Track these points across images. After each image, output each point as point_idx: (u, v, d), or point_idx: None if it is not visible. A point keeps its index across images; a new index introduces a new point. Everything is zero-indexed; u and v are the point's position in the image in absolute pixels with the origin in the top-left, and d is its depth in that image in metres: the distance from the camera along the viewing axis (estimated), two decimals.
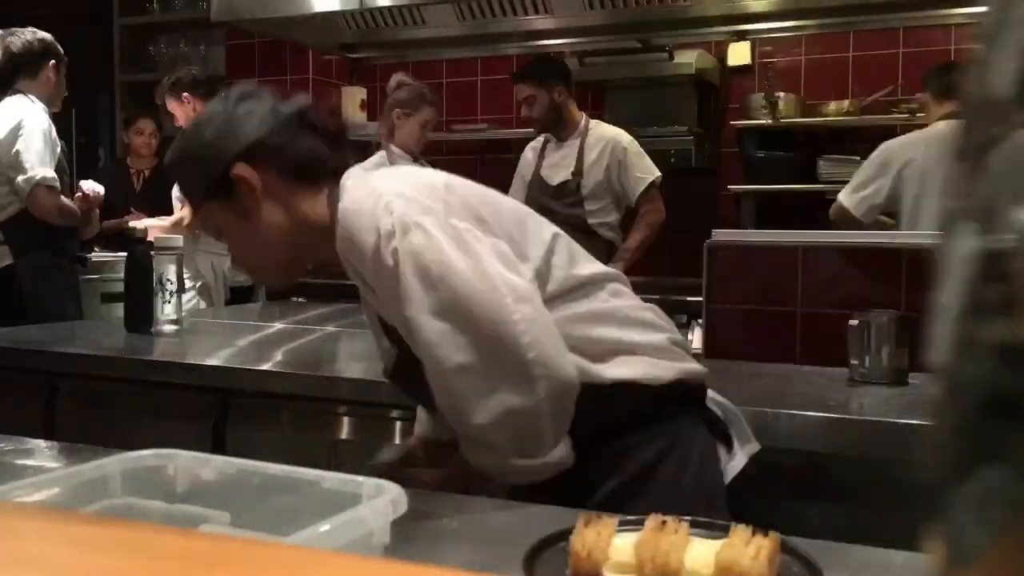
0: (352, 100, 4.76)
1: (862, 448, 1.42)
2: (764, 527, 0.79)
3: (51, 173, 3.17)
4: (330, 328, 2.67)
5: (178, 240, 2.39)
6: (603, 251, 3.31)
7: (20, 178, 3.12)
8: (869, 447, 1.42)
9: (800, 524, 0.94)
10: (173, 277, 2.27)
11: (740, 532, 0.78)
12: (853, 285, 1.91)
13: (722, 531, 0.81)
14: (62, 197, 3.22)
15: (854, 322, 1.71)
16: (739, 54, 4.03)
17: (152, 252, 2.27)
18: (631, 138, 3.49)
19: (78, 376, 2.02)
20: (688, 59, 3.85)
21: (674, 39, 3.77)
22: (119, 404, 1.97)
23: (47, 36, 3.38)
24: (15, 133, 3.17)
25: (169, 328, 2.26)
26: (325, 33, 3.75)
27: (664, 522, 0.79)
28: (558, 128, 3.49)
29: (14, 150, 3.15)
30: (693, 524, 0.81)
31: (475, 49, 4.16)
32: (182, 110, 3.78)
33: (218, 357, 2.09)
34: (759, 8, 3.27)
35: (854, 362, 1.72)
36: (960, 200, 0.26)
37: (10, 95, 3.29)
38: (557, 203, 3.44)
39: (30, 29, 3.37)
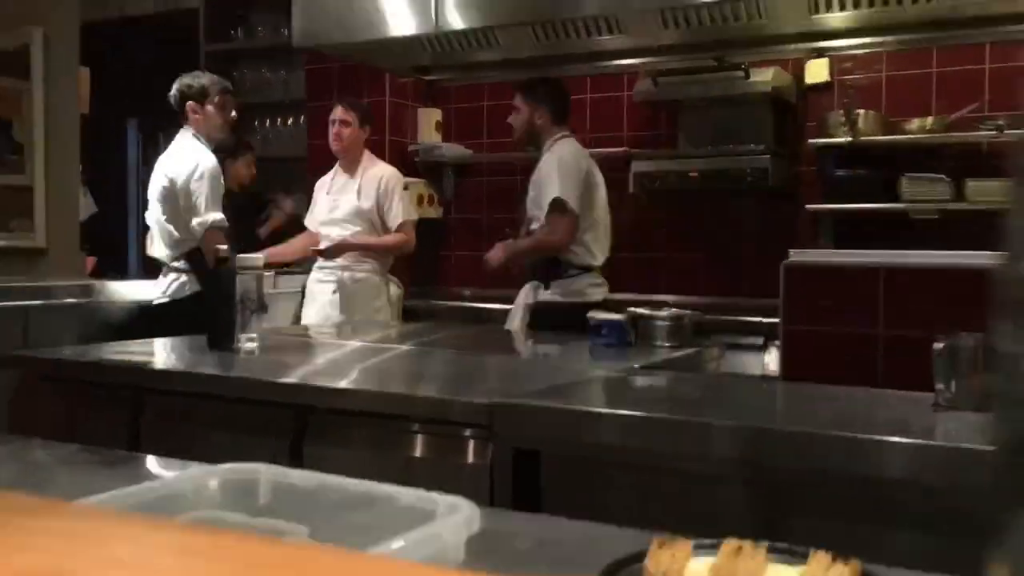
0: (428, 121, 4.83)
1: (947, 475, 1.38)
2: (844, 554, 0.77)
3: (220, 215, 3.62)
4: (406, 347, 2.70)
5: (258, 259, 2.44)
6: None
7: (195, 221, 3.58)
8: (954, 474, 1.37)
9: (881, 551, 0.91)
10: (254, 296, 2.33)
11: (819, 558, 0.76)
12: (937, 307, 1.85)
13: (801, 557, 0.79)
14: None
15: (939, 345, 1.66)
16: (817, 71, 3.96)
17: (235, 271, 2.33)
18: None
19: (163, 392, 2.08)
20: (764, 77, 3.80)
21: (750, 57, 3.73)
22: (201, 419, 2.03)
23: (215, 76, 3.90)
24: (190, 177, 3.61)
25: (250, 345, 2.32)
26: (401, 56, 3.82)
27: (741, 547, 0.78)
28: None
29: (191, 195, 3.60)
30: (771, 549, 0.80)
31: (548, 70, 4.18)
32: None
33: (296, 374, 2.13)
34: (837, 24, 3.22)
35: (939, 387, 1.66)
36: (1021, 220, 0.26)
37: (183, 131, 3.77)
38: None
39: (199, 71, 3.92)
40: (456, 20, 2.90)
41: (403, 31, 3.06)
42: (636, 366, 2.18)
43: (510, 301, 4.20)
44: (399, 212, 4.01)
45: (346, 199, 4.02)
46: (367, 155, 4.10)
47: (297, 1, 3.15)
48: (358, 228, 4.00)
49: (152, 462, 1.30)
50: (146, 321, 3.62)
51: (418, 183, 4.74)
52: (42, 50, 4.87)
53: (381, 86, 4.71)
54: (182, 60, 5.42)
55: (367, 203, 3.99)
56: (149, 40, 6.42)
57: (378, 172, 4.04)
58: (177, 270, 3.73)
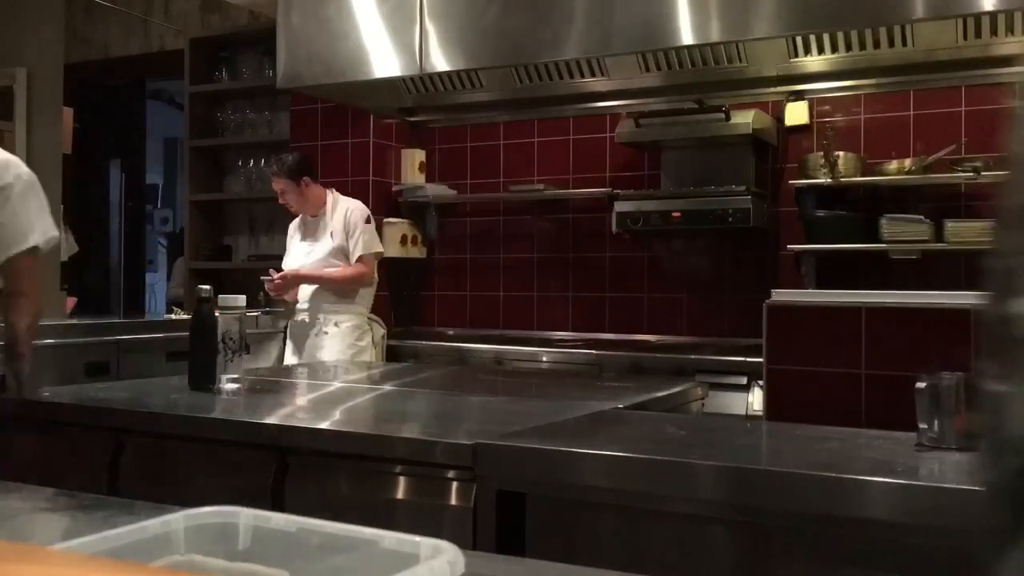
0: (411, 162, 4.86)
1: (931, 515, 1.38)
2: None
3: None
4: (389, 387, 2.68)
5: (240, 300, 2.42)
6: None
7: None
8: (938, 514, 1.37)
9: None
10: (236, 336, 2.31)
11: None
12: (919, 346, 1.86)
13: None
14: None
15: (921, 385, 1.67)
16: (796, 113, 4.02)
17: (216, 311, 2.32)
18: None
19: (142, 433, 2.06)
20: (745, 119, 3.85)
21: (731, 99, 3.78)
22: (182, 461, 2.00)
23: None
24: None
25: (231, 386, 2.30)
26: (386, 98, 3.86)
27: None
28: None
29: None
30: None
31: (532, 112, 4.22)
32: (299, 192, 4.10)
33: (277, 415, 2.11)
34: (816, 68, 3.27)
35: (923, 426, 1.66)
36: (1004, 261, 0.26)
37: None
38: None
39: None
40: (440, 62, 2.93)
41: (387, 73, 3.08)
42: (620, 406, 2.17)
43: (494, 341, 4.20)
44: (360, 245, 4.03)
45: (322, 241, 4.04)
46: (330, 195, 4.13)
47: (281, 42, 3.18)
48: (337, 266, 4.01)
49: (130, 506, 1.28)
50: None
51: (402, 223, 4.75)
52: (25, 91, 4.87)
53: (365, 127, 4.73)
54: (165, 101, 5.44)
55: (339, 239, 4.02)
56: (133, 80, 6.45)
57: (343, 206, 4.08)
58: None
